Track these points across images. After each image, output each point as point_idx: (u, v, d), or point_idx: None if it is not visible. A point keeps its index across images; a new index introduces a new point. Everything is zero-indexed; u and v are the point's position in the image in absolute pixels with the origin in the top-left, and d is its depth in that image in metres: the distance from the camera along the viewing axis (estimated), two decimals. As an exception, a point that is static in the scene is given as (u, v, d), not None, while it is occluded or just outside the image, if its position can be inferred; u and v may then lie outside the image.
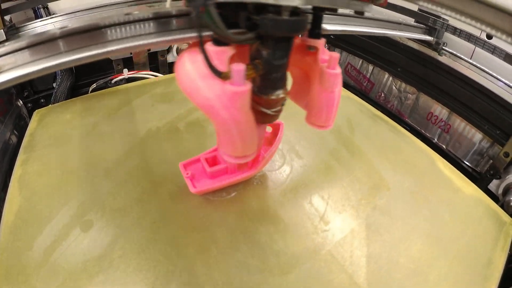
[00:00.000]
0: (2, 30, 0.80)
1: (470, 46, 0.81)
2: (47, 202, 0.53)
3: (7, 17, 0.82)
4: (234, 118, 0.33)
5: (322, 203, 0.55)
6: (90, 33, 0.34)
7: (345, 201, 0.56)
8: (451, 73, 0.84)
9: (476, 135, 0.84)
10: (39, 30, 0.91)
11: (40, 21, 0.92)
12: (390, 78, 1.01)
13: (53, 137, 0.67)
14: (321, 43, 0.38)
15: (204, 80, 0.31)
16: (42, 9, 0.91)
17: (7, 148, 0.80)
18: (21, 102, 0.93)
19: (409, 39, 0.91)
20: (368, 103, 0.86)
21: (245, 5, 0.31)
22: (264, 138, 0.53)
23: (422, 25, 0.85)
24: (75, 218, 0.51)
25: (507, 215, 0.59)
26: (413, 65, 0.92)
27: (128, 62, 1.00)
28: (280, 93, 0.37)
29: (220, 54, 0.31)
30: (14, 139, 0.84)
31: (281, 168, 0.61)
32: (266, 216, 0.52)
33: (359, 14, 0.40)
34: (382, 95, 1.05)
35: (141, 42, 0.33)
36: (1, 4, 0.79)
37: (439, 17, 0.82)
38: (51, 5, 0.93)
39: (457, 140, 0.88)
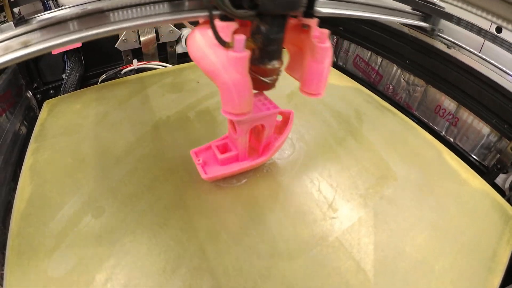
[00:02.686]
0: (11, 22, 0.81)
1: (479, 39, 0.80)
2: (58, 189, 0.54)
3: (16, 9, 0.82)
4: (234, 79, 0.39)
5: (330, 191, 0.55)
6: (106, 13, 0.39)
7: (353, 189, 0.56)
8: (460, 66, 0.83)
9: (484, 129, 0.83)
10: (49, 21, 0.92)
11: (49, 13, 0.92)
12: (399, 71, 1.01)
13: (64, 126, 0.68)
14: (314, 21, 0.43)
15: (211, 48, 0.38)
16: (50, 1, 0.91)
17: (17, 139, 0.81)
18: (30, 93, 0.94)
19: (416, 30, 0.90)
20: (377, 95, 0.86)
21: None
22: (274, 127, 0.54)
23: (418, 12, 0.85)
24: (87, 205, 0.52)
25: None
26: (422, 58, 0.91)
27: (137, 53, 1.00)
28: (275, 64, 0.43)
29: (226, 28, 0.38)
30: (23, 130, 0.86)
31: (290, 156, 0.62)
32: (275, 203, 0.52)
33: None
34: (391, 87, 1.04)
35: (159, 19, 0.40)
36: (11, -4, 0.80)
37: (434, 4, 0.82)
38: (60, -4, 0.93)
39: (465, 133, 0.87)
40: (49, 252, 0.45)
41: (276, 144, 0.53)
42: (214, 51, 0.38)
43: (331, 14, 0.56)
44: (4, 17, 0.81)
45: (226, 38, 0.37)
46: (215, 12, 0.37)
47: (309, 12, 0.43)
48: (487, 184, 0.62)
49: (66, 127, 0.68)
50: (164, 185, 0.54)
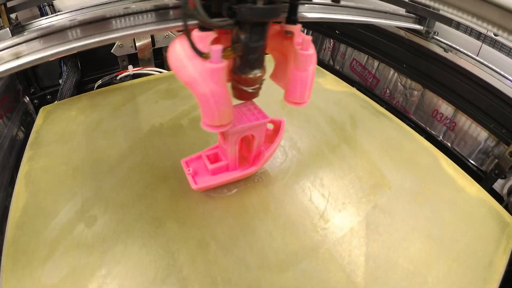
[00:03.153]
0: (8, 28, 0.81)
1: (476, 42, 0.80)
2: (52, 197, 0.55)
3: (12, 15, 0.83)
4: (212, 91, 0.38)
5: (322, 201, 0.55)
6: (99, 23, 0.42)
7: (346, 199, 0.56)
8: (457, 70, 0.83)
9: (482, 134, 0.83)
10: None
11: (46, 18, 0.93)
12: (396, 74, 1.01)
13: (59, 133, 0.69)
14: (296, 28, 0.43)
15: (189, 60, 0.37)
16: (47, 7, 0.92)
17: (14, 144, 0.82)
18: (27, 98, 0.95)
19: (413, 33, 0.90)
20: (373, 99, 0.86)
21: None
22: (265, 136, 0.54)
23: (412, 15, 0.85)
24: (80, 214, 0.52)
25: (510, 216, 0.58)
26: (419, 62, 0.91)
27: (133, 58, 1.01)
28: (257, 73, 0.43)
29: (204, 38, 0.38)
30: (21, 135, 0.87)
31: (282, 165, 0.62)
32: (266, 213, 0.53)
33: (335, 2, 0.44)
34: (388, 91, 1.04)
35: (144, 29, 0.42)
36: (7, 2, 0.81)
37: (428, 6, 0.82)
38: (56, 2, 0.94)
39: (462, 138, 0.87)
40: (43, 260, 0.46)
41: (266, 154, 0.53)
42: (192, 62, 0.38)
43: (318, 19, 0.56)
44: (1, 23, 0.82)
45: (204, 48, 0.37)
46: (193, 22, 0.37)
47: (292, 18, 0.43)
48: (484, 191, 0.62)
49: (61, 134, 0.69)
50: (155, 194, 0.55)
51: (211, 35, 0.38)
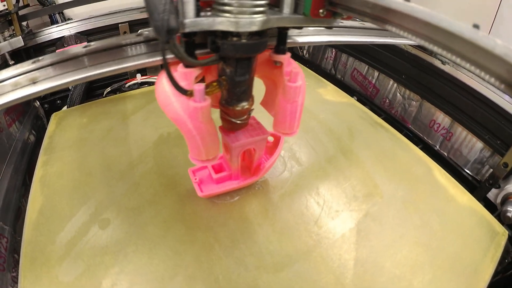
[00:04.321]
0: (20, 36, 0.89)
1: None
2: (67, 201, 0.62)
3: (24, 23, 0.90)
4: (197, 127, 0.41)
5: (317, 209, 0.62)
6: (113, 50, 0.42)
7: (339, 207, 0.63)
8: (454, 82, 0.89)
9: (477, 144, 0.89)
10: (55, 35, 1.00)
11: (56, 26, 1.00)
12: (395, 85, 1.07)
13: (71, 140, 0.76)
14: (285, 58, 0.44)
15: (175, 97, 0.39)
16: (57, 15, 0.99)
17: (26, 147, 0.89)
18: (38, 103, 1.02)
19: (412, 46, 0.96)
20: (373, 108, 0.92)
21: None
22: (266, 148, 0.61)
23: None
24: (94, 217, 0.59)
25: (501, 225, 0.62)
26: (417, 73, 0.98)
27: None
28: (245, 105, 0.45)
29: (188, 75, 0.39)
30: (32, 138, 0.94)
31: (281, 174, 0.69)
32: (264, 219, 0.59)
33: (328, 28, 0.45)
34: (387, 101, 1.10)
35: (136, 62, 0.41)
36: (19, 11, 0.88)
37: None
38: (66, 10, 1.01)
39: (458, 148, 0.93)
40: (60, 259, 0.52)
41: (266, 165, 0.60)
42: (177, 100, 0.38)
43: (311, 43, 0.57)
44: (13, 30, 0.89)
45: (188, 85, 0.38)
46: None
47: (280, 48, 0.44)
48: (475, 201, 0.66)
49: (74, 140, 0.76)
50: (164, 200, 0.62)
51: (195, 71, 0.39)
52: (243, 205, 0.61)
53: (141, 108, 0.85)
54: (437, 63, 0.92)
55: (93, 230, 0.57)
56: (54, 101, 1.05)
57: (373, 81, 1.14)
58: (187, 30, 0.34)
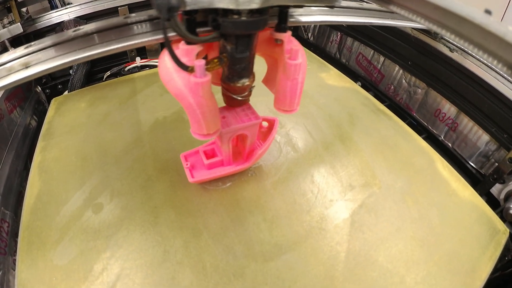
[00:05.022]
0: (19, 23, 0.88)
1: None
2: (63, 186, 0.62)
3: (23, 9, 0.89)
4: (198, 102, 0.41)
5: (311, 197, 0.61)
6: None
7: (334, 196, 0.61)
8: (462, 71, 0.85)
9: (483, 137, 0.85)
10: (55, 20, 0.99)
11: (55, 11, 0.99)
12: (401, 71, 1.03)
13: (69, 125, 0.76)
14: (286, 36, 0.44)
15: (177, 73, 0.39)
16: (57, 1, 0.98)
17: (27, 133, 0.89)
18: (39, 88, 1.02)
19: (419, 31, 0.92)
20: (378, 94, 0.88)
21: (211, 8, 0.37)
22: (259, 132, 0.59)
23: None
24: (88, 201, 0.59)
25: (502, 223, 0.60)
26: (424, 60, 0.94)
27: (141, 49, 1.07)
28: (245, 81, 0.46)
29: (189, 52, 0.39)
30: (33, 123, 0.94)
31: (276, 160, 0.67)
32: (256, 206, 0.58)
33: (329, 7, 0.44)
34: (392, 87, 1.07)
35: (138, 41, 0.42)
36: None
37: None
38: (67, -4, 1.00)
39: (464, 140, 0.90)
40: (55, 243, 0.53)
41: (259, 151, 0.59)
42: (179, 76, 0.39)
43: (314, 22, 0.56)
44: (12, 17, 0.88)
45: (190, 62, 0.39)
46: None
47: (281, 26, 0.44)
48: (478, 196, 0.63)
49: (72, 125, 0.76)
50: (156, 185, 0.61)
51: (197, 48, 0.40)
52: (234, 191, 0.60)
53: (138, 92, 0.84)
54: (445, 50, 0.88)
55: (86, 215, 0.57)
56: (55, 86, 1.05)
57: (379, 67, 1.11)
58: (188, 8, 0.34)
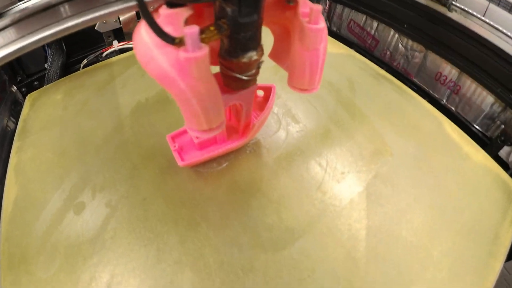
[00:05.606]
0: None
1: (483, 2, 0.72)
2: (41, 187, 0.52)
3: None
4: (192, 87, 0.29)
5: (319, 171, 0.51)
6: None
7: (345, 168, 0.52)
8: (462, 31, 0.75)
9: (488, 98, 0.77)
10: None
11: (23, 3, 0.86)
12: (396, 35, 0.93)
13: (45, 120, 0.65)
14: None
15: (159, 48, 0.27)
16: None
17: (5, 135, 0.78)
18: (15, 87, 0.90)
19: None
20: (373, 61, 0.79)
21: None
22: (254, 103, 0.48)
23: None
24: (68, 201, 0.49)
25: None
26: (421, 22, 0.84)
27: (119, 33, 0.95)
28: (252, 55, 0.33)
29: (173, 17, 0.27)
30: (11, 125, 0.83)
31: (276, 134, 0.57)
32: (259, 188, 0.48)
33: None
34: (388, 53, 0.97)
35: (109, 10, 0.32)
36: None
37: None
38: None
39: (467, 102, 0.81)
40: (36, 253, 0.44)
41: (256, 123, 0.48)
42: (161, 53, 0.28)
43: None
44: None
45: (176, 31, 0.27)
46: None
47: None
48: (490, 159, 0.57)
49: (48, 120, 0.65)
50: (143, 174, 0.51)
51: (184, 12, 0.28)
52: (232, 172, 0.50)
53: (118, 76, 0.73)
54: (443, 10, 0.78)
55: (68, 217, 0.47)
56: (31, 83, 0.93)
57: (372, 32, 1.00)
58: None
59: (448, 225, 0.46)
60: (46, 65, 0.90)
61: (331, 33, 1.05)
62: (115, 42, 0.90)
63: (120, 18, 0.91)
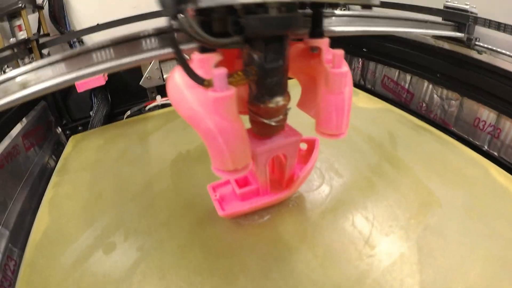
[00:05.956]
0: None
1: (507, 37, 0.70)
2: (73, 223, 0.52)
3: (44, 51, 0.85)
4: (219, 126, 0.30)
5: (366, 225, 0.47)
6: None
7: (392, 221, 0.48)
8: (495, 72, 0.73)
9: (531, 137, 0.72)
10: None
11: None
12: (430, 86, 0.92)
13: (85, 162, 0.67)
14: (324, 42, 0.35)
15: (189, 89, 0.30)
16: (77, 42, 0.94)
17: (44, 171, 0.83)
18: (59, 129, 0.96)
19: (443, 40, 0.82)
20: (410, 115, 0.78)
21: (231, 8, 0.28)
22: (298, 156, 0.47)
23: (450, 22, 0.76)
24: (99, 240, 0.49)
25: None
26: (453, 69, 0.82)
27: (162, 90, 1.00)
28: (279, 101, 0.34)
29: (205, 62, 0.30)
30: (52, 163, 0.87)
31: (319, 188, 0.55)
32: (303, 242, 0.45)
33: (366, 8, 0.37)
34: (424, 105, 0.95)
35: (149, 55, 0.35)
36: (39, 39, 0.83)
37: (466, 10, 0.74)
38: (85, 38, 0.96)
39: (510, 145, 0.76)
40: (57, 285, 0.43)
41: (301, 175, 0.46)
42: (191, 93, 0.29)
43: (349, 32, 0.47)
44: (32, 58, 0.84)
45: (206, 74, 0.29)
46: (191, 45, 0.30)
47: (317, 31, 0.35)
48: None
49: (88, 162, 0.67)
50: (180, 222, 0.49)
51: (214, 57, 0.30)
52: (275, 225, 0.48)
53: (160, 128, 0.75)
54: (473, 53, 0.76)
55: (96, 255, 0.46)
56: (76, 127, 0.99)
57: (406, 86, 0.99)
58: (202, 4, 0.26)
59: (510, 276, 0.40)
60: (91, 113, 0.96)
61: (367, 91, 1.05)
62: (158, 97, 0.94)
63: (164, 76, 0.96)
